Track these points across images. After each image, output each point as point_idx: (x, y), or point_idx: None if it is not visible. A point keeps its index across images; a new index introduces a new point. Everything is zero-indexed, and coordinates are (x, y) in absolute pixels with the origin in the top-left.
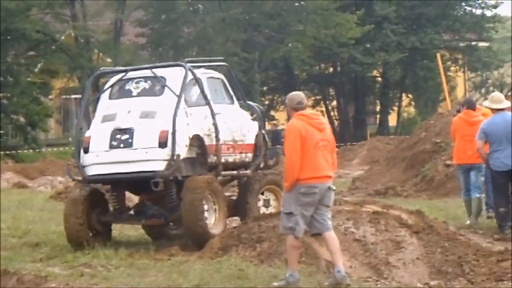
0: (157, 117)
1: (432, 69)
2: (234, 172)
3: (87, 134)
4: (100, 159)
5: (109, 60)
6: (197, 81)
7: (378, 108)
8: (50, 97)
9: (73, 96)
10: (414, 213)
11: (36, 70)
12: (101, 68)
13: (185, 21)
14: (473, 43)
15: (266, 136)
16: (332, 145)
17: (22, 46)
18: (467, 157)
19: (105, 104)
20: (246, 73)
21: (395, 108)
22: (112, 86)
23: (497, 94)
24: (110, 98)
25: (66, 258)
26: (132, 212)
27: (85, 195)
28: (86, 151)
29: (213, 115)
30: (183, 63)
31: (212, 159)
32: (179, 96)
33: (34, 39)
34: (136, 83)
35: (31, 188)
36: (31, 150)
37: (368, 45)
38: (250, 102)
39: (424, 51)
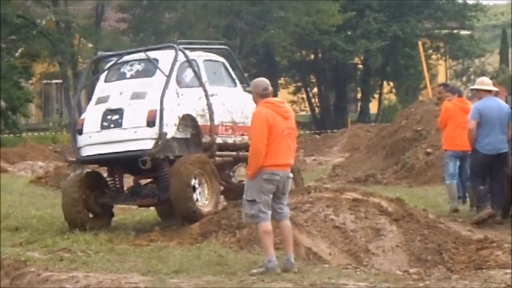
0: (147, 97)
1: (413, 57)
2: (233, 153)
3: (82, 116)
4: (92, 140)
5: (90, 45)
6: (189, 62)
7: (359, 95)
8: (30, 81)
9: (53, 81)
10: (394, 200)
11: (17, 54)
12: (99, 53)
13: (167, 6)
14: (455, 31)
15: None
16: (295, 133)
17: (3, 31)
18: (463, 144)
19: (101, 87)
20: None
21: (376, 96)
22: (108, 69)
23: (486, 78)
24: (105, 81)
25: (46, 243)
26: (127, 193)
27: (81, 177)
28: (80, 132)
29: (207, 96)
30: (174, 45)
31: (206, 139)
32: (168, 76)
33: (15, 23)
34: (131, 65)
35: (11, 172)
36: (11, 135)
37: (349, 32)
38: None
39: (406, 39)
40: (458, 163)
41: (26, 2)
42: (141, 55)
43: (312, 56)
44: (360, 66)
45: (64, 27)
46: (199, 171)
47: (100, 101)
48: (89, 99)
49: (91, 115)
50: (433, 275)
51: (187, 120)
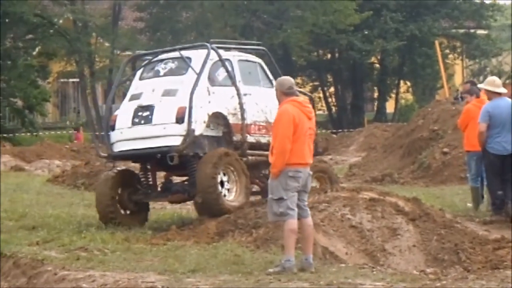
0: (177, 94)
1: (430, 56)
2: (267, 152)
3: (115, 113)
4: (124, 135)
5: (107, 44)
6: (222, 61)
7: (375, 95)
8: (48, 80)
9: (70, 80)
10: (410, 200)
11: (34, 53)
12: (136, 52)
13: (184, 6)
14: (472, 30)
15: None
16: (314, 133)
17: (20, 30)
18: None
19: (135, 85)
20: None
21: (393, 95)
22: (143, 67)
23: (497, 79)
24: (140, 79)
25: (63, 242)
26: (159, 189)
27: (114, 175)
28: (113, 128)
29: (239, 95)
30: (207, 44)
31: (237, 138)
32: (198, 74)
33: (32, 22)
34: (165, 64)
35: (28, 171)
36: (28, 134)
37: (366, 32)
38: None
39: (423, 39)
40: (479, 164)
41: (43, 1)
42: (176, 54)
43: (329, 56)
44: (377, 65)
45: (81, 26)
46: (227, 166)
47: (133, 98)
48: (123, 96)
49: (124, 112)
50: (450, 275)
51: (219, 118)
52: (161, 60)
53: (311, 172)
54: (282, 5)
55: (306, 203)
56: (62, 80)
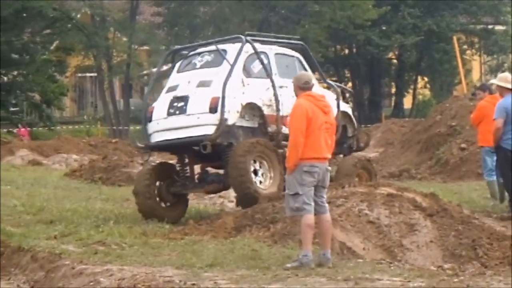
0: (212, 85)
1: (448, 52)
2: None
3: (153, 104)
4: (160, 126)
5: (124, 39)
6: (257, 54)
7: (393, 90)
8: (65, 75)
9: (88, 74)
10: (428, 196)
11: (52, 48)
12: (175, 46)
13: (202, 0)
14: (490, 26)
15: (353, 117)
16: (333, 128)
17: (38, 24)
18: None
19: (173, 77)
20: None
21: (410, 91)
22: (181, 60)
23: (510, 75)
24: (177, 71)
25: (80, 236)
26: (196, 180)
27: (152, 168)
28: (150, 120)
29: (274, 87)
30: (241, 36)
31: (272, 129)
32: (231, 66)
33: (50, 17)
34: (201, 56)
35: (45, 165)
36: (46, 128)
37: (384, 27)
38: (330, 81)
39: (440, 34)
40: (495, 158)
41: None
42: (212, 47)
43: (347, 51)
44: (395, 61)
45: (99, 21)
46: (260, 154)
47: (170, 89)
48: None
49: (160, 103)
50: (467, 270)
51: (254, 109)
52: (198, 53)
53: (329, 167)
54: (300, 0)
55: (325, 198)
56: (79, 74)
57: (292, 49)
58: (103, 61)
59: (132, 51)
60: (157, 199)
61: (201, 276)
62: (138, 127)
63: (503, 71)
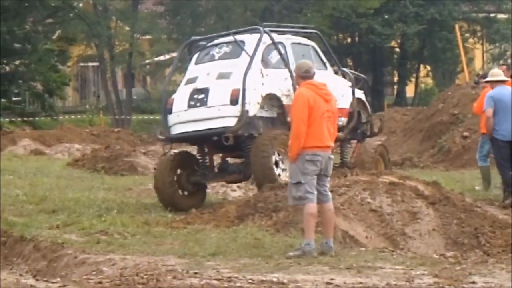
0: (231, 77)
1: (450, 40)
2: None
3: (172, 96)
4: (180, 118)
5: (127, 28)
6: (275, 44)
7: (395, 79)
8: (68, 64)
9: (90, 64)
10: (430, 184)
11: (54, 37)
12: (192, 37)
13: None
14: (492, 14)
15: (367, 103)
16: (335, 116)
17: (40, 13)
18: None
19: (191, 69)
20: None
21: (413, 79)
22: (198, 52)
23: (496, 70)
24: (195, 63)
25: (83, 225)
26: (216, 170)
27: (173, 157)
28: (170, 112)
29: (292, 76)
30: (259, 27)
31: (290, 118)
32: (251, 57)
33: (52, 6)
34: (219, 48)
35: (48, 155)
36: (48, 118)
37: (386, 16)
38: (345, 69)
39: (443, 23)
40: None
41: None
42: (230, 38)
43: (349, 40)
44: (397, 49)
45: (101, 10)
46: (281, 147)
47: (189, 81)
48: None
49: (180, 95)
50: (470, 258)
51: (273, 100)
52: (216, 45)
53: (332, 156)
54: None
55: (327, 187)
56: (82, 64)
57: (307, 38)
58: (105, 50)
59: (134, 40)
60: (177, 188)
61: (204, 265)
62: (140, 117)
63: (505, 59)
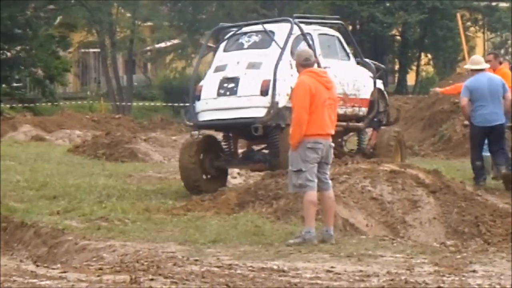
0: (262, 67)
1: (451, 29)
2: (344, 123)
3: (200, 83)
4: (209, 106)
5: (128, 14)
6: (304, 35)
7: (397, 67)
8: (69, 50)
9: (91, 50)
10: (431, 172)
11: (55, 23)
12: (220, 24)
13: None
14: (493, 3)
15: (385, 93)
16: (335, 103)
17: (41, 0)
18: None
19: (219, 57)
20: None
21: (414, 68)
22: (227, 39)
23: (477, 57)
24: (224, 51)
25: (83, 212)
26: (241, 157)
27: (198, 141)
28: (198, 98)
29: (320, 68)
30: (290, 18)
31: None
32: (282, 48)
33: None
34: (248, 37)
35: (49, 141)
36: (49, 103)
37: (388, 4)
38: (367, 60)
39: (444, 11)
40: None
41: None
42: (259, 27)
43: (350, 28)
44: (398, 37)
45: None
46: None
47: (218, 69)
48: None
49: (209, 83)
50: (470, 247)
51: None
52: (245, 33)
53: (332, 144)
54: None
55: (328, 175)
56: (83, 50)
57: (331, 28)
58: (107, 36)
59: (136, 27)
60: (200, 171)
61: (204, 252)
62: (141, 103)
63: (506, 48)
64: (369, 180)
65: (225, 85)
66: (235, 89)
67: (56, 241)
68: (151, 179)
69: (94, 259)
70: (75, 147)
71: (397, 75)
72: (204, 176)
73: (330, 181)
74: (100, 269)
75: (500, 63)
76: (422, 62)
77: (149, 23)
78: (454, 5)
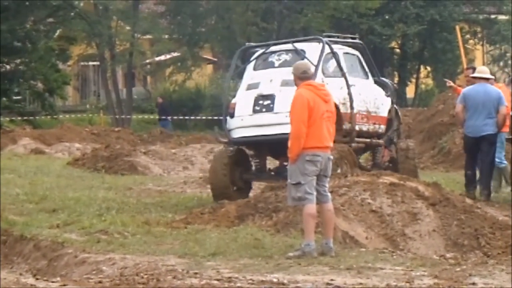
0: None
1: (450, 41)
2: (367, 140)
3: (233, 101)
4: (244, 122)
5: (127, 27)
6: (334, 54)
7: (396, 79)
8: (68, 63)
9: (91, 63)
10: (431, 185)
11: (55, 36)
12: (246, 43)
13: None
14: (493, 16)
15: (399, 111)
16: (334, 116)
17: (41, 12)
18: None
19: (250, 75)
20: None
21: (413, 80)
22: (256, 58)
23: (483, 67)
24: (254, 69)
25: (83, 225)
26: (272, 173)
27: (231, 153)
28: (232, 116)
29: (348, 85)
30: (321, 37)
31: (346, 126)
32: (316, 66)
33: (53, 5)
34: (278, 55)
35: (48, 154)
36: (48, 117)
37: (387, 16)
38: (384, 79)
39: (443, 23)
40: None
41: None
42: (287, 46)
43: None
44: (398, 50)
45: (102, 9)
46: (343, 160)
47: (251, 87)
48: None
49: (243, 100)
50: (470, 260)
51: None
52: (274, 52)
53: (331, 156)
54: None
55: (327, 188)
56: (82, 63)
57: (352, 47)
58: (106, 49)
59: (135, 40)
60: (230, 183)
61: (204, 265)
62: (140, 116)
63: (505, 61)
64: (368, 193)
65: (261, 102)
66: (271, 105)
67: (55, 254)
68: (150, 192)
69: (94, 272)
70: (75, 160)
71: (396, 87)
72: (232, 188)
73: (329, 194)
74: (100, 282)
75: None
76: (422, 74)
77: (148, 36)
78: (453, 18)
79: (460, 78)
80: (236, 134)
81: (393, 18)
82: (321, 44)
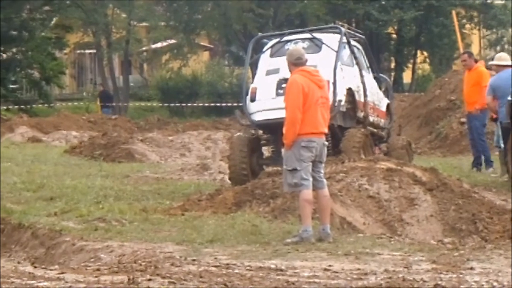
0: (318, 69)
1: (447, 26)
2: (375, 130)
3: (252, 85)
4: (267, 105)
5: (123, 15)
6: (349, 43)
7: (392, 65)
8: (65, 52)
9: (87, 51)
10: (428, 170)
11: (51, 25)
12: (259, 34)
13: None
14: (489, 0)
15: (393, 109)
16: (328, 102)
17: (37, 1)
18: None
19: (267, 61)
20: (260, 29)
21: (410, 65)
22: (271, 47)
23: (503, 54)
24: (271, 56)
25: (81, 212)
26: None
27: (249, 139)
28: (253, 100)
29: (361, 74)
30: (339, 26)
31: (359, 114)
32: (337, 52)
33: None
34: (295, 43)
35: (45, 142)
36: (45, 105)
37: (383, 2)
38: (382, 75)
39: (440, 8)
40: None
41: None
42: (303, 35)
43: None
44: (394, 35)
45: None
46: (366, 145)
47: (270, 72)
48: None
49: (264, 84)
50: (468, 244)
51: (348, 95)
52: (290, 40)
53: (326, 142)
54: None
55: (322, 174)
56: (79, 51)
57: (356, 42)
58: (102, 37)
59: (131, 28)
60: (249, 168)
61: (202, 252)
62: (137, 104)
63: (502, 45)
64: (366, 179)
65: (283, 85)
66: None
67: (53, 242)
68: (148, 179)
69: (92, 260)
70: (72, 148)
71: (393, 73)
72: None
73: (324, 180)
74: (98, 269)
75: (476, 61)
76: (418, 59)
77: (144, 24)
78: (450, 3)
79: (456, 63)
80: (259, 117)
81: (389, 4)
82: (336, 34)
